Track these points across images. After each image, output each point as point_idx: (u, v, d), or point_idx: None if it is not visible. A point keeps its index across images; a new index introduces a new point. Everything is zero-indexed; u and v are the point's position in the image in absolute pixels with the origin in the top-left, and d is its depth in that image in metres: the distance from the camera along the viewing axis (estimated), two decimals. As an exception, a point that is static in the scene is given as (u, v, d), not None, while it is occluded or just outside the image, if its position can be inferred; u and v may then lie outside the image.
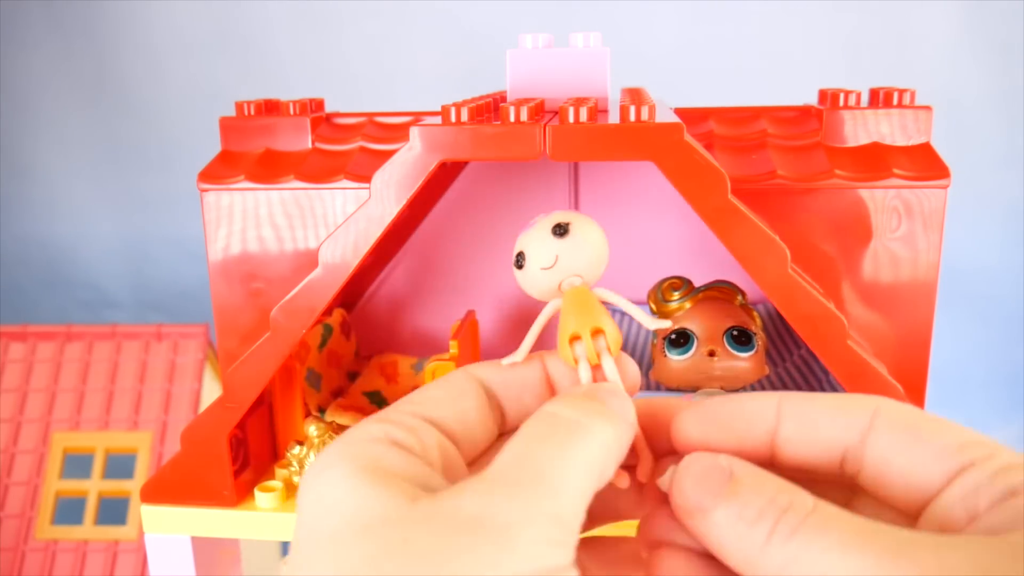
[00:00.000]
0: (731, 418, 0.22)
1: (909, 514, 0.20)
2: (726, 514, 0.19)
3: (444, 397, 0.23)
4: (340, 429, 0.46)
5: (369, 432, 0.21)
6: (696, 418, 0.22)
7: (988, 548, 0.17)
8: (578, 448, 0.20)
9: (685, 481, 0.20)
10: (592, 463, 0.20)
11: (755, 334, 0.44)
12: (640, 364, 0.56)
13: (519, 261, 0.26)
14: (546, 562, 0.18)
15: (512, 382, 0.25)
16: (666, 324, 0.27)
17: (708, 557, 0.20)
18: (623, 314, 0.58)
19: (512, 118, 0.35)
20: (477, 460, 0.24)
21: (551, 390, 0.25)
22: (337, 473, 0.20)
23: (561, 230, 0.26)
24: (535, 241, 0.26)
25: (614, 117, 0.36)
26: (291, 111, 0.48)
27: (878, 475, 0.20)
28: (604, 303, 0.26)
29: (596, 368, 0.25)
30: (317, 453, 0.43)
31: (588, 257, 0.26)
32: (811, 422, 0.21)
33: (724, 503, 0.19)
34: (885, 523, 0.18)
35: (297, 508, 0.20)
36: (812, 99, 0.49)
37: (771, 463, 0.22)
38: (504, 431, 0.25)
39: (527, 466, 0.19)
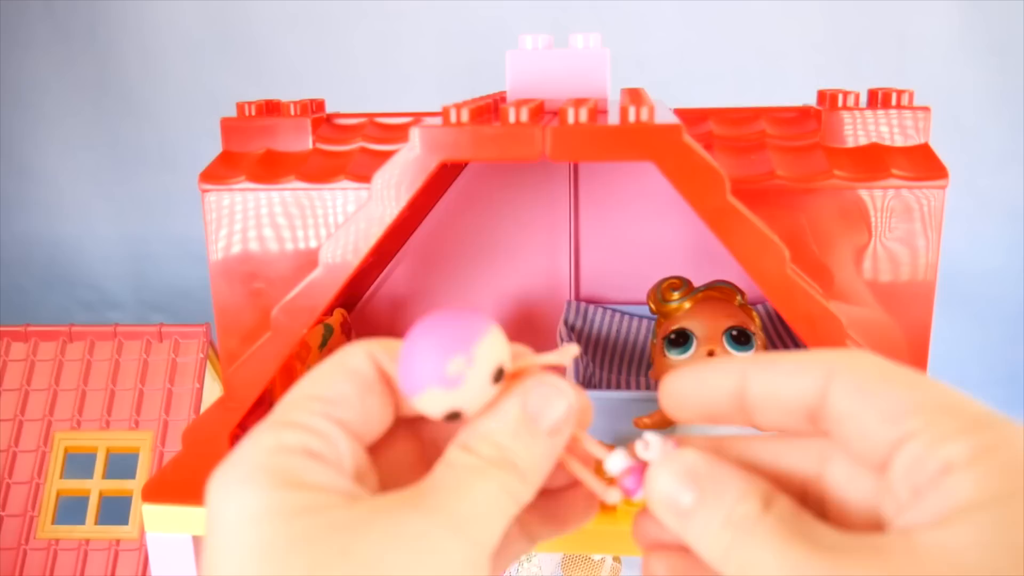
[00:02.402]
0: (696, 383, 0.22)
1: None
2: (695, 521, 0.20)
3: (351, 393, 0.22)
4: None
5: (282, 440, 0.20)
6: (673, 383, 0.23)
7: (893, 556, 0.17)
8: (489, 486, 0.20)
9: (657, 483, 0.21)
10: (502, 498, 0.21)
11: (754, 334, 0.44)
12: (640, 364, 0.56)
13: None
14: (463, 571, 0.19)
15: None
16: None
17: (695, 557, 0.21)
18: (624, 315, 0.59)
19: (512, 119, 0.35)
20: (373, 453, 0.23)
21: None
22: (252, 488, 0.19)
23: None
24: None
25: (614, 118, 0.36)
26: (292, 112, 0.48)
27: (841, 438, 0.20)
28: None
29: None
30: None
31: None
32: (774, 386, 0.21)
33: (694, 508, 0.20)
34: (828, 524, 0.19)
35: (208, 530, 0.19)
36: (811, 100, 0.49)
37: (751, 423, 0.22)
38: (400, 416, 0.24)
39: (451, 494, 0.20)
